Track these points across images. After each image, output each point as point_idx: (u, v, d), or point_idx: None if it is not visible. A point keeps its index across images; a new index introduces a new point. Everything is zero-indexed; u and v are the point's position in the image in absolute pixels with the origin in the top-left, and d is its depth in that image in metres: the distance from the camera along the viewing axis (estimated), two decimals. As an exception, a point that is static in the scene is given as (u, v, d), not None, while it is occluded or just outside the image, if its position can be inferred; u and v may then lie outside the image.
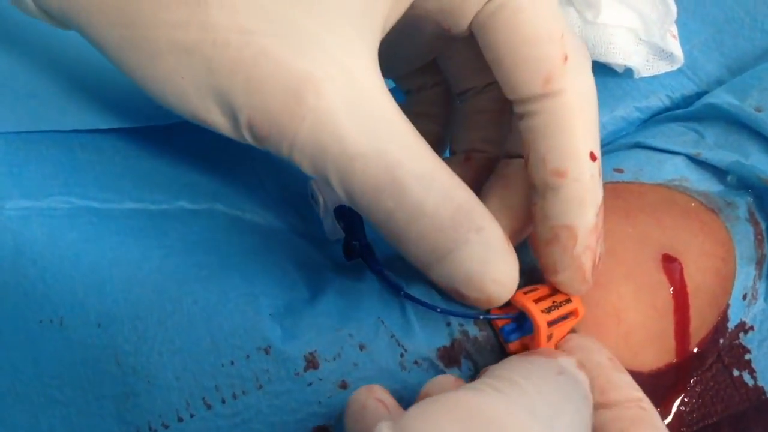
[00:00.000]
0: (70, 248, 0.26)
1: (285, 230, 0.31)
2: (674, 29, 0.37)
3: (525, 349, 0.26)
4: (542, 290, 0.26)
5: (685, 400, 0.29)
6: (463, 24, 0.25)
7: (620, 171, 0.33)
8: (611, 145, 0.36)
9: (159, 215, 0.28)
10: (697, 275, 0.30)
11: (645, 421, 0.23)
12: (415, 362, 0.26)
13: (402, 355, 0.26)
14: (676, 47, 0.36)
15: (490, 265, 0.24)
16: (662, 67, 0.37)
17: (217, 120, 0.24)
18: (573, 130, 0.24)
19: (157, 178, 0.30)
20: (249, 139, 0.24)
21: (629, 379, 0.24)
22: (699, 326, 0.29)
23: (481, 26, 0.25)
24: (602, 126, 0.37)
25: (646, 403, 0.23)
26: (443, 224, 0.24)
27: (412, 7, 0.25)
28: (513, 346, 0.26)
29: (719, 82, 0.37)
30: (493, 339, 0.26)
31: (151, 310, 0.25)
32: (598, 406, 0.23)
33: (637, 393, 0.24)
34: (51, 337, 0.25)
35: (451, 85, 0.31)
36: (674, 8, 0.35)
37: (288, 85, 0.22)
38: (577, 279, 0.26)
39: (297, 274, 0.28)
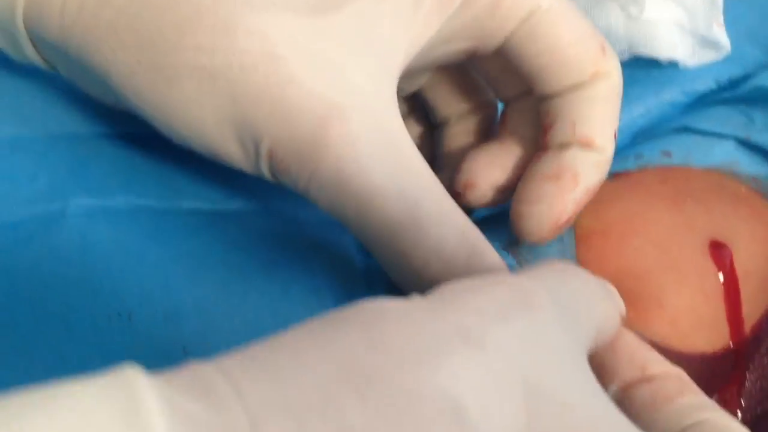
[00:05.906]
0: (135, 245, 0.27)
1: (339, 227, 0.32)
2: (720, 17, 0.36)
3: None
4: None
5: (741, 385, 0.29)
6: (494, 45, 0.26)
7: (668, 154, 0.33)
8: (658, 129, 0.36)
9: (216, 214, 0.29)
10: (748, 261, 0.30)
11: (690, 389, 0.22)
12: None
13: None
14: (722, 35, 0.36)
15: None
16: (708, 57, 0.36)
17: (233, 151, 0.23)
18: (609, 107, 0.26)
19: (210, 180, 0.30)
20: (265, 170, 0.23)
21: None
22: (751, 311, 0.29)
23: (518, 42, 0.26)
24: (647, 110, 0.37)
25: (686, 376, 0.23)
26: (458, 267, 0.23)
27: (435, 37, 0.25)
28: None
29: (767, 66, 0.37)
30: None
31: (217, 304, 0.26)
32: (636, 382, 0.22)
33: (675, 368, 0.23)
34: (120, 330, 0.26)
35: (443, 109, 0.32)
36: None
37: (315, 112, 0.22)
38: (552, 216, 0.26)
39: (356, 267, 0.28)
